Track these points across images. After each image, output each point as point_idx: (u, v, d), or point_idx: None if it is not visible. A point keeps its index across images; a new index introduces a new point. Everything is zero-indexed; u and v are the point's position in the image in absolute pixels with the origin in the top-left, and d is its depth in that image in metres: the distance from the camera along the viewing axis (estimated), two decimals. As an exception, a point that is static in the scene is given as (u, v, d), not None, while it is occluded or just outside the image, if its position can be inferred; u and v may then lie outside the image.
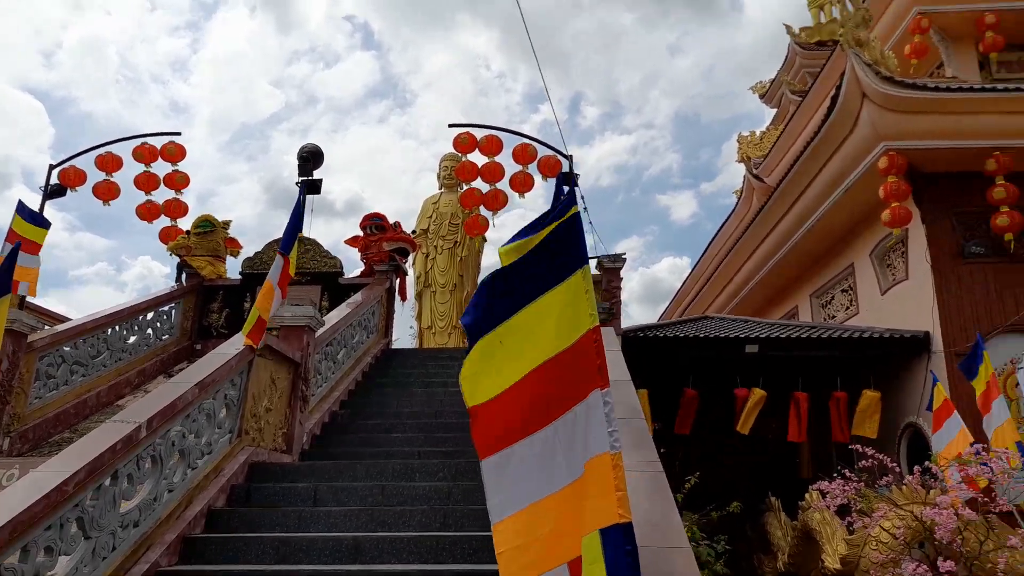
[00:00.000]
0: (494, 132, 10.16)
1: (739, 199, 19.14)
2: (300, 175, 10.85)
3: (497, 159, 10.21)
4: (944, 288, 9.73)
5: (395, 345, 15.26)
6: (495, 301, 2.80)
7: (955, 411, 7.93)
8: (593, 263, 9.78)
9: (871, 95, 9.37)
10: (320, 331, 7.40)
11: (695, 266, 21.03)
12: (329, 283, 10.87)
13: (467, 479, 5.53)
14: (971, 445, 7.38)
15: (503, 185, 10.44)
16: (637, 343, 10.09)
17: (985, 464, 6.92)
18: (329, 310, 9.63)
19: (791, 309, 14.96)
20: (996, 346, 9.40)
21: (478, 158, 10.53)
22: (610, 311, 7.36)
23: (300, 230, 6.70)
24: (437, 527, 4.89)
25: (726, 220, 18.85)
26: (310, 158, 10.85)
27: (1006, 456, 7.00)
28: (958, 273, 9.79)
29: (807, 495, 8.33)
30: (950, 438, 7.96)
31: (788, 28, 20.21)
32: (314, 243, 11.45)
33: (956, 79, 11.65)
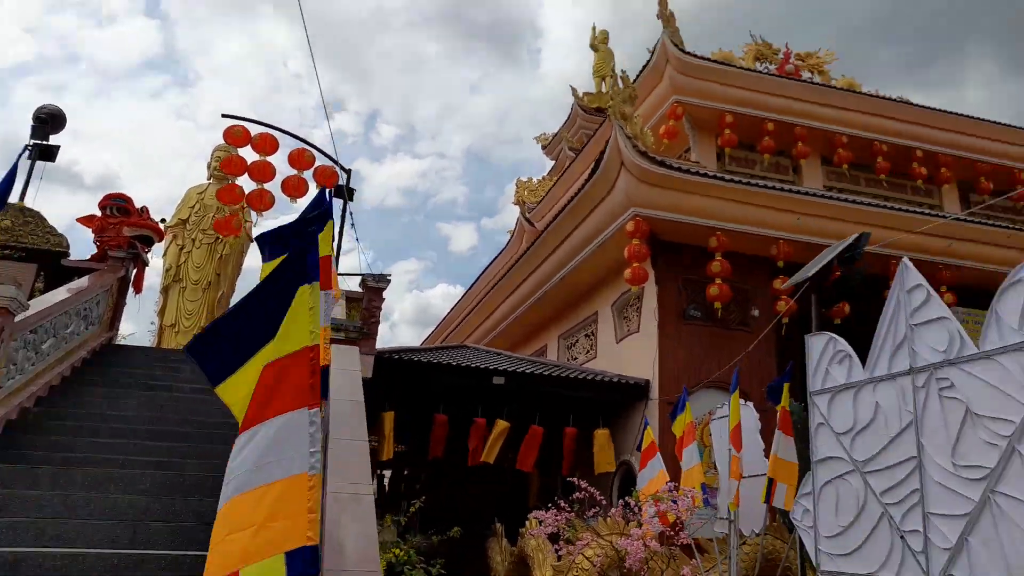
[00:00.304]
0: (270, 131, 9.69)
1: (511, 238, 20.18)
2: (33, 137, 9.54)
3: (271, 159, 9.74)
4: (665, 343, 11.01)
5: (130, 341, 13.70)
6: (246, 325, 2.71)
7: (658, 453, 8.95)
8: (358, 280, 9.66)
9: (628, 165, 10.44)
10: (23, 315, 6.42)
11: (463, 296, 21.68)
12: (49, 263, 9.51)
13: (173, 494, 5.09)
14: (667, 484, 8.37)
15: (273, 186, 9.97)
16: (391, 365, 10.10)
17: (674, 501, 7.87)
18: (44, 293, 8.42)
19: (541, 347, 15.98)
20: (701, 398, 10.79)
21: (251, 154, 9.96)
22: (361, 330, 7.29)
23: (7, 195, 5.80)
24: (125, 543, 4.42)
25: (496, 256, 19.74)
26: (48, 120, 9.54)
27: (692, 495, 8.02)
28: (678, 331, 11.15)
29: (527, 522, 8.87)
30: (652, 476, 8.94)
31: (573, 90, 21.90)
32: (37, 215, 9.96)
33: (698, 164, 13.43)
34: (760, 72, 14.54)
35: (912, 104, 14.91)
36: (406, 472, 20.06)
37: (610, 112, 10.63)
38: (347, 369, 6.06)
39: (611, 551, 7.48)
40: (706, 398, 10.77)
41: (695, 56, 13.36)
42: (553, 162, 24.03)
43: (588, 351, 13.70)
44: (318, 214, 3.50)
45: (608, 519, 8.14)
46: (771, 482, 7.83)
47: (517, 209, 20.85)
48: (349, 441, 4.42)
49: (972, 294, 10.99)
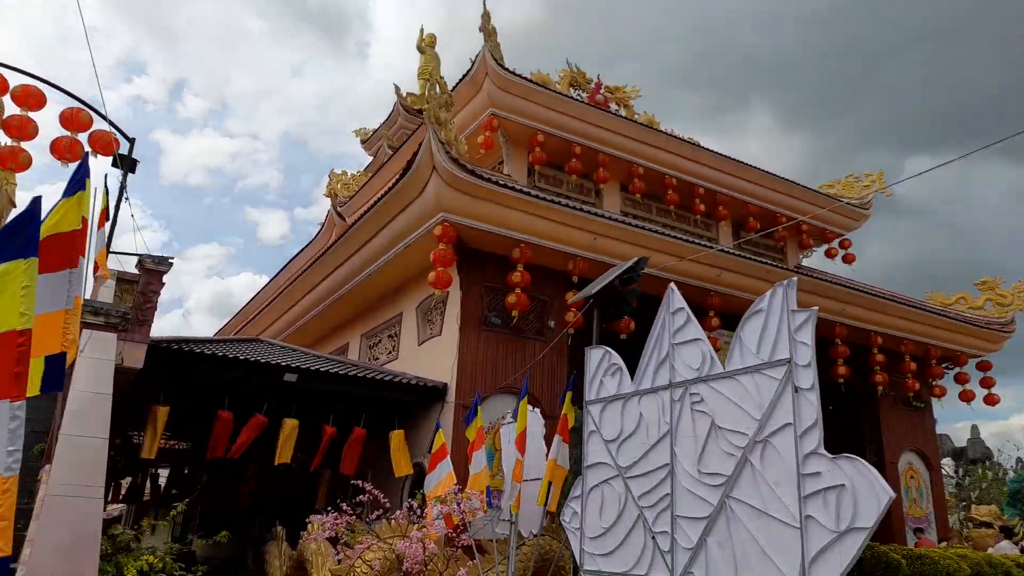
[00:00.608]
0: (37, 84, 8.49)
1: (320, 231, 19.51)
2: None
3: (34, 115, 8.50)
4: (465, 348, 11.22)
5: None
6: None
7: (448, 456, 9.08)
8: (134, 260, 8.75)
9: (439, 170, 10.51)
10: None
11: (264, 287, 20.56)
12: None
13: None
14: (453, 486, 8.51)
15: (32, 146, 8.72)
16: (168, 356, 9.29)
17: (458, 504, 8.02)
18: None
19: (343, 345, 15.59)
20: (496, 403, 11.11)
21: (11, 107, 8.66)
22: (125, 316, 6.59)
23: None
24: None
25: (303, 248, 18.97)
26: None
27: (476, 498, 8.22)
28: (478, 337, 11.41)
29: (309, 525, 8.57)
30: (440, 479, 9.05)
31: (397, 89, 21.72)
32: None
33: (510, 178, 13.88)
34: (573, 98, 15.35)
35: (700, 146, 16.54)
36: (187, 471, 18.58)
37: (425, 116, 10.64)
38: (98, 359, 5.45)
39: (391, 554, 7.44)
40: (501, 403, 11.10)
41: (513, 73, 13.80)
42: (372, 158, 23.60)
43: (390, 352, 13.58)
44: (73, 181, 3.10)
45: (392, 522, 8.10)
46: (550, 485, 8.25)
47: (330, 201, 20.21)
48: (80, 438, 3.97)
49: (736, 320, 12.40)
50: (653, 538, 5.37)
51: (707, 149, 16.45)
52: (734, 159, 16.76)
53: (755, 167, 16.99)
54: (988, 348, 16.46)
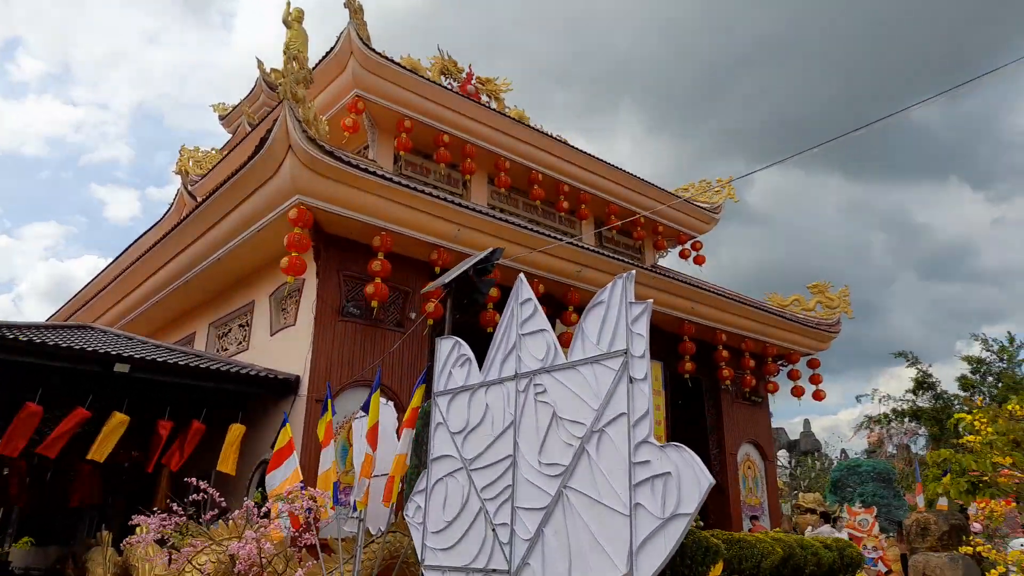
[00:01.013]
0: None
1: (168, 210, 18.15)
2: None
3: None
4: (321, 339, 10.76)
5: None
6: None
7: (295, 451, 8.65)
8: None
9: (296, 149, 10.00)
10: None
11: (104, 270, 18.87)
12: None
13: None
14: (299, 483, 8.12)
15: None
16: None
17: (303, 502, 7.65)
18: None
19: (189, 335, 14.56)
20: (352, 396, 10.76)
21: None
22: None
23: None
24: None
25: (148, 230, 17.56)
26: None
27: (321, 496, 7.89)
28: (335, 328, 10.98)
29: (137, 529, 7.88)
30: (285, 476, 8.61)
31: (260, 63, 20.57)
32: None
33: (374, 163, 13.49)
34: (444, 86, 15.17)
35: (568, 144, 16.87)
36: (6, 471, 16.69)
37: (281, 92, 10.09)
38: None
39: (224, 557, 6.97)
40: (359, 397, 10.74)
41: (380, 55, 13.42)
42: (231, 135, 22.27)
43: (241, 342, 12.82)
44: None
45: (230, 522, 7.61)
46: (402, 481, 8.05)
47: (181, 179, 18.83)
48: None
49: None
50: (493, 530, 5.33)
51: (574, 147, 16.80)
52: (599, 159, 17.23)
53: (619, 168, 17.56)
54: (817, 347, 17.97)
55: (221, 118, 23.82)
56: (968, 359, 27.78)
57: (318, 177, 10.23)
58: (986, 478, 5.69)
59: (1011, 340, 27.18)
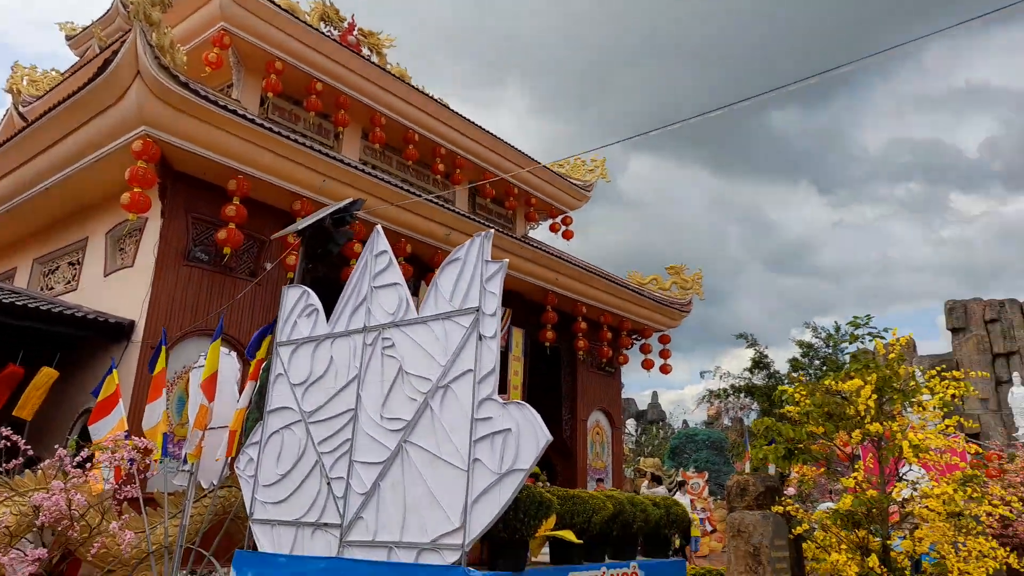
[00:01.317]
0: None
1: (-6, 132, 16.12)
2: None
3: None
4: (161, 283, 9.98)
5: None
6: None
7: (120, 401, 8.00)
8: None
9: (145, 77, 9.12)
10: None
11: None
12: None
13: None
14: (123, 433, 7.54)
15: None
16: None
17: (126, 452, 7.11)
18: None
19: (9, 270, 13.09)
20: (194, 345, 10.09)
21: None
22: None
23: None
24: None
25: (-33, 150, 15.50)
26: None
27: (148, 446, 7.37)
28: (179, 273, 10.22)
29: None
30: (111, 427, 7.97)
31: (115, -19, 18.61)
32: None
33: (238, 103, 12.59)
34: (321, 32, 14.39)
35: (447, 107, 16.57)
36: None
37: (131, 13, 9.15)
38: None
39: (28, 508, 6.34)
40: (201, 346, 10.08)
41: (252, -12, 12.51)
42: (79, 59, 20.06)
43: (70, 281, 11.67)
44: None
45: (39, 472, 6.93)
46: (240, 435, 7.67)
47: (11, 98, 16.75)
48: None
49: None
50: (328, 484, 5.18)
51: (453, 111, 16.54)
52: (479, 126, 17.08)
53: (497, 136, 17.51)
54: (669, 324, 18.96)
55: (68, 39, 21.36)
56: (800, 343, 30.66)
57: (169, 109, 9.40)
58: (800, 446, 6.18)
59: (837, 329, 30.15)
